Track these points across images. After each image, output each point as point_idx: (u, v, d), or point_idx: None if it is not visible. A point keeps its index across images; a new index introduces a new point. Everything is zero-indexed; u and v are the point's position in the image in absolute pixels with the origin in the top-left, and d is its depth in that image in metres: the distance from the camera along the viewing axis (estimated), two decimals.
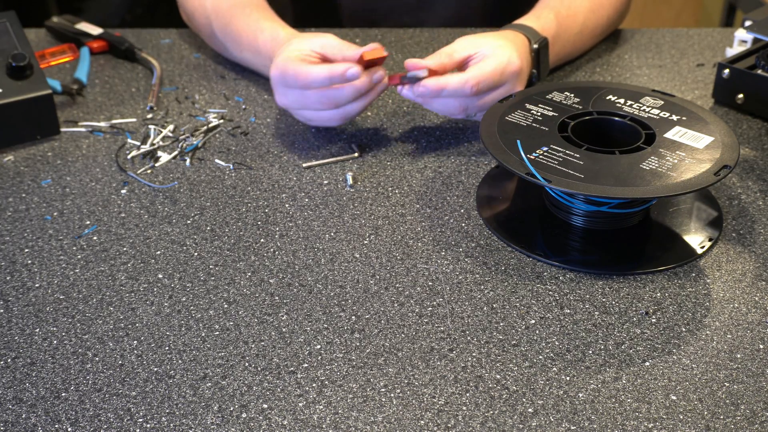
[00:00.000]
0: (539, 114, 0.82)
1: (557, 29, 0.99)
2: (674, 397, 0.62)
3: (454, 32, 1.17)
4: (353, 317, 0.69)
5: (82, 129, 0.96)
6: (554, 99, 0.85)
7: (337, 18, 1.25)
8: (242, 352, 0.66)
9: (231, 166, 0.89)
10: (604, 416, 0.60)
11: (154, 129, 0.95)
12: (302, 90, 0.86)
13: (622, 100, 0.85)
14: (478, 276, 0.73)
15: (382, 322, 0.69)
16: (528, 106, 0.84)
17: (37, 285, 0.73)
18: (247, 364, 0.65)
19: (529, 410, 0.61)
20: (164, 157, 0.90)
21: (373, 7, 1.22)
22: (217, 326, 0.68)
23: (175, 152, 0.91)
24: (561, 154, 0.76)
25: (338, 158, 0.90)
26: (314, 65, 0.85)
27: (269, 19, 1.00)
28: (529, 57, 0.94)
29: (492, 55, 0.88)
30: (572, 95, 0.86)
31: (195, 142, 0.92)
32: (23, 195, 0.84)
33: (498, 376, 0.64)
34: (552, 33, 0.98)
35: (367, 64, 0.86)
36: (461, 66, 0.90)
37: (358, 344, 0.66)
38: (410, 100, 0.89)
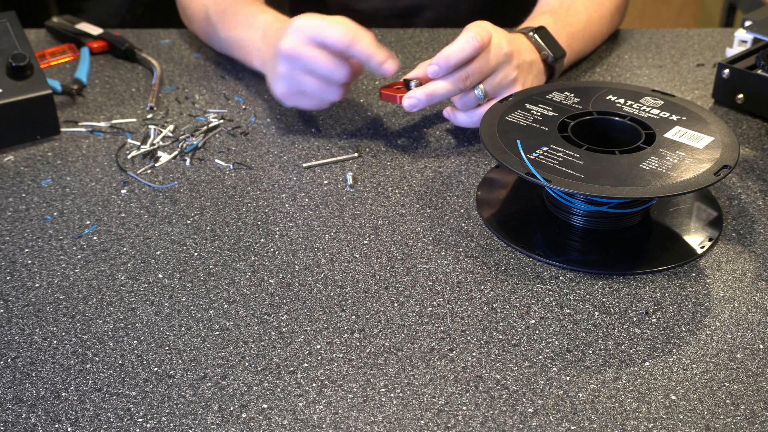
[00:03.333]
0: (539, 114, 0.82)
1: (555, 25, 0.99)
2: (674, 397, 0.62)
3: (454, 32, 1.17)
4: (353, 317, 0.69)
5: (82, 129, 0.96)
6: (554, 99, 0.85)
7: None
8: (242, 352, 0.66)
9: (231, 166, 0.89)
10: (604, 416, 0.60)
11: (154, 129, 0.95)
12: (318, 44, 0.86)
13: (622, 100, 0.85)
14: (478, 276, 0.73)
15: (382, 322, 0.69)
16: (528, 106, 0.84)
17: (37, 285, 0.73)
18: (247, 364, 0.65)
19: (529, 410, 0.61)
20: (164, 157, 0.90)
21: (359, 8, 1.22)
22: (217, 326, 0.68)
23: (175, 152, 0.91)
24: (561, 154, 0.76)
25: (338, 158, 0.90)
26: (348, 32, 0.85)
27: (265, 6, 1.02)
28: (531, 46, 0.95)
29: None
30: (572, 95, 0.86)
31: (195, 142, 0.92)
32: (23, 195, 0.84)
33: (498, 376, 0.64)
34: (550, 27, 0.98)
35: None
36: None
37: (358, 344, 0.66)
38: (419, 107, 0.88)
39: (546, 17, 1.01)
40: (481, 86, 0.88)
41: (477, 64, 0.86)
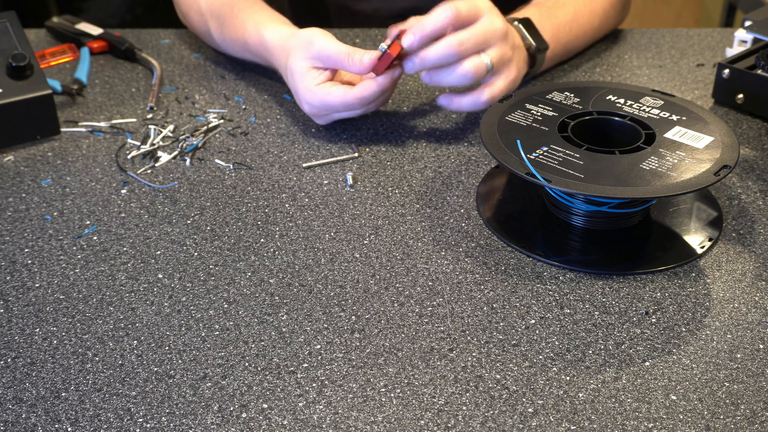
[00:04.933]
0: (539, 114, 0.82)
1: (540, 17, 0.99)
2: (674, 397, 0.62)
3: None
4: (353, 317, 0.69)
5: (82, 129, 0.96)
6: (554, 99, 0.85)
7: (327, 17, 1.25)
8: (242, 352, 0.66)
9: (231, 166, 0.89)
10: (604, 416, 0.60)
11: (154, 129, 0.95)
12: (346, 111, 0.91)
13: (622, 100, 0.85)
14: (478, 276, 0.73)
15: (382, 322, 0.69)
16: (528, 106, 0.84)
17: (37, 285, 0.73)
18: (247, 364, 0.65)
19: (529, 410, 0.61)
20: (164, 157, 0.90)
21: (357, 9, 1.22)
22: (217, 326, 0.68)
23: (175, 152, 0.91)
24: (561, 154, 0.76)
25: (338, 158, 0.90)
26: (347, 93, 0.87)
27: (256, 15, 1.00)
28: (517, 34, 0.95)
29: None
30: (572, 95, 0.86)
31: (195, 142, 0.92)
32: (23, 195, 0.84)
33: (498, 376, 0.64)
34: (535, 18, 0.98)
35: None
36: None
37: (358, 344, 0.66)
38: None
39: (531, 10, 1.02)
40: (488, 56, 0.86)
41: (470, 32, 0.85)
